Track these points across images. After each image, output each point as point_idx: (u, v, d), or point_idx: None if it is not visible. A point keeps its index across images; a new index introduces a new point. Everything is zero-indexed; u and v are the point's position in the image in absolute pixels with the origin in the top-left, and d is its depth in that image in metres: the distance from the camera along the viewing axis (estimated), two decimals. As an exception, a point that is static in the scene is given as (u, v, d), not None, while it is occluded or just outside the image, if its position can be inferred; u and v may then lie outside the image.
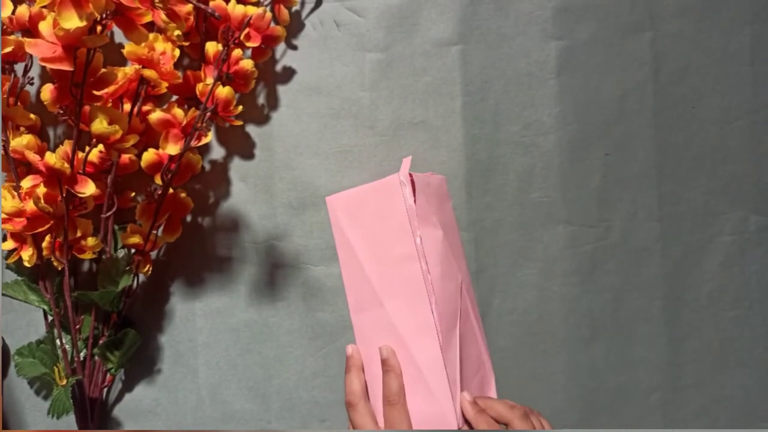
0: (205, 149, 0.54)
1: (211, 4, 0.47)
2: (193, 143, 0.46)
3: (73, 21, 0.35)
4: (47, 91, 0.43)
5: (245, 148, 0.54)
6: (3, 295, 0.50)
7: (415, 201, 0.44)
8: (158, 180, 0.48)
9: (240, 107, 0.49)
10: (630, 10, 0.54)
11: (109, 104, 0.47)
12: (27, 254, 0.47)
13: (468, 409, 0.42)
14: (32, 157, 0.41)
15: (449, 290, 0.45)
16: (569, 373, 0.52)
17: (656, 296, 0.54)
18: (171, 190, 0.50)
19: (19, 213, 0.44)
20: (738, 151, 0.54)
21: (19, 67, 0.47)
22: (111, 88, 0.44)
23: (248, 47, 0.49)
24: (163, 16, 0.39)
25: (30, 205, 0.44)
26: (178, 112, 0.47)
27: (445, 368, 0.42)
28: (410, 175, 0.44)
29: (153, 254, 0.53)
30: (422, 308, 0.43)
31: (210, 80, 0.47)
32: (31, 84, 0.48)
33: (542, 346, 0.54)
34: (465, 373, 0.44)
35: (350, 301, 0.46)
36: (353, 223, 0.46)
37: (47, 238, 0.46)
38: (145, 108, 0.49)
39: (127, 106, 0.48)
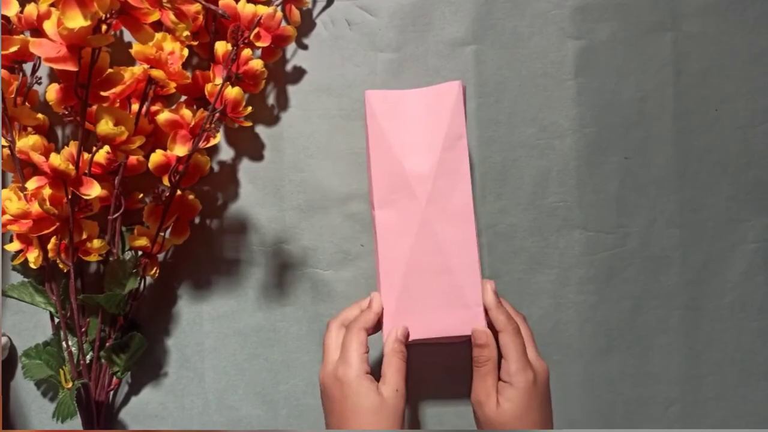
0: (213, 150, 0.54)
1: (220, 3, 0.47)
2: (202, 144, 0.46)
3: (77, 20, 0.34)
4: (53, 91, 0.42)
5: (254, 150, 0.54)
6: (10, 296, 0.50)
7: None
8: (166, 181, 0.47)
9: (249, 108, 0.48)
10: (651, 9, 0.52)
11: (117, 104, 0.47)
12: (33, 256, 0.47)
13: (491, 298, 0.45)
14: (37, 158, 0.41)
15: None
16: (585, 384, 0.51)
17: (676, 306, 0.53)
18: (179, 192, 0.49)
19: (25, 214, 0.44)
20: (762, 156, 0.53)
21: (28, 67, 0.47)
22: (118, 89, 0.43)
23: (258, 47, 0.48)
24: (172, 16, 0.39)
25: (35, 207, 0.43)
26: (187, 112, 0.46)
27: (479, 263, 0.45)
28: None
29: (160, 257, 0.52)
30: (462, 196, 0.46)
31: (219, 80, 0.47)
32: (39, 83, 0.47)
33: (557, 356, 0.53)
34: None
35: (377, 195, 0.46)
36: (393, 116, 0.47)
37: (53, 239, 0.46)
38: (154, 108, 0.49)
39: (135, 107, 0.48)
